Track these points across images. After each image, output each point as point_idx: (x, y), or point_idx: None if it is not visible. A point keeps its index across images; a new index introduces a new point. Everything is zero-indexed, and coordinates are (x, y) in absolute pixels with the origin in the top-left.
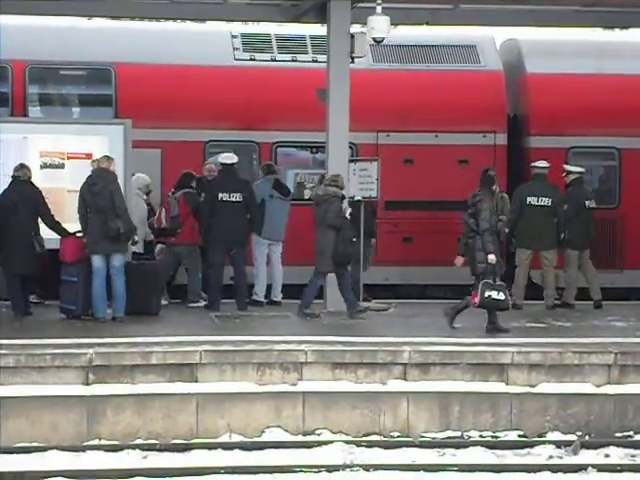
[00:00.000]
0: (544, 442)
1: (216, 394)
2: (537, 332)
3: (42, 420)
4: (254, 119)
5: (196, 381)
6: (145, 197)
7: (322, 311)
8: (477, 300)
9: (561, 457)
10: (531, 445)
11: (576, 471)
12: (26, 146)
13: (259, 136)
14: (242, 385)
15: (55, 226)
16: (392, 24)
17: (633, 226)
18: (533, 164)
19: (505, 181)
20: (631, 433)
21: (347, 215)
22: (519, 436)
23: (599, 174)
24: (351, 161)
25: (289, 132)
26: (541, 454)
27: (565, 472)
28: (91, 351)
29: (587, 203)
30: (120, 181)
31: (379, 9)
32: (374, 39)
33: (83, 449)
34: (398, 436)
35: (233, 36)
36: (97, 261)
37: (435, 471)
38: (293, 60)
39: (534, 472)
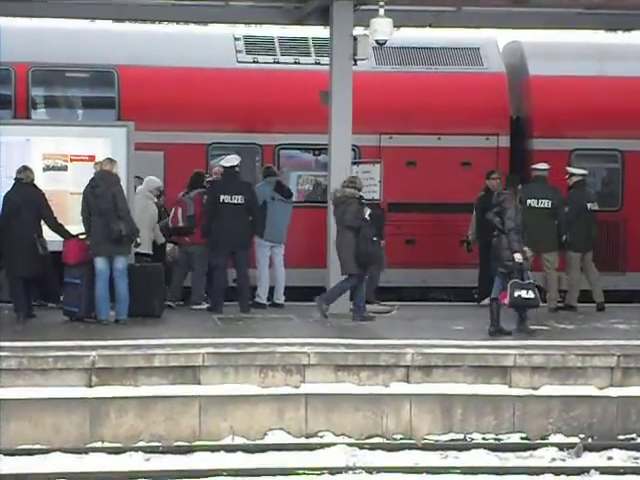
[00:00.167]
0: (547, 444)
1: (219, 396)
2: (540, 334)
3: (45, 422)
4: (257, 121)
5: (199, 383)
6: (156, 200)
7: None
8: (507, 301)
9: (564, 460)
10: (534, 447)
11: (579, 474)
12: (29, 148)
13: (262, 138)
14: (245, 387)
15: (58, 228)
16: (395, 26)
17: (636, 228)
18: (533, 166)
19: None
20: (634, 435)
21: (366, 216)
22: (522, 438)
23: (602, 176)
24: (354, 163)
25: (292, 134)
26: (544, 456)
27: (568, 475)
28: (94, 353)
29: (589, 205)
30: (123, 183)
31: (382, 11)
32: (377, 41)
33: (86, 451)
34: (401, 438)
35: (236, 38)
36: (100, 263)
37: (438, 473)
38: (296, 62)
39: (537, 475)
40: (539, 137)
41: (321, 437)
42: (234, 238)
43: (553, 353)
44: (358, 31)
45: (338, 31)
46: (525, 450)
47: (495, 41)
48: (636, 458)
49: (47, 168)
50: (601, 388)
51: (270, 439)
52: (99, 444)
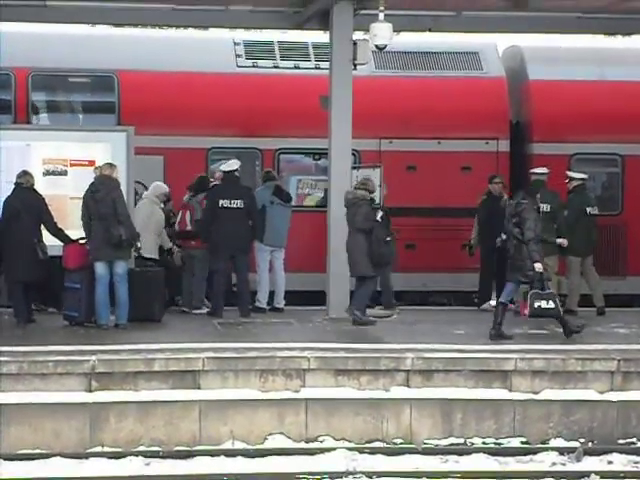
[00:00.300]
0: (547, 449)
1: (219, 401)
2: (540, 339)
3: (45, 427)
4: (257, 126)
5: (199, 388)
6: (163, 205)
7: (325, 317)
8: (527, 311)
9: (564, 464)
10: (534, 452)
11: (579, 478)
12: (29, 153)
13: (262, 143)
14: (245, 392)
15: (58, 233)
16: (395, 31)
17: (636, 233)
18: (532, 170)
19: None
20: (634, 440)
21: (378, 218)
22: (522, 443)
23: (602, 181)
24: (354, 168)
25: (292, 139)
26: (544, 461)
27: (568, 479)
28: (94, 358)
29: (588, 210)
30: (123, 188)
31: (382, 16)
32: (377, 46)
33: (86, 456)
34: (401, 443)
35: (236, 43)
36: (100, 268)
37: (438, 478)
38: (296, 67)
39: (537, 479)
40: (539, 141)
41: (321, 442)
42: (233, 242)
43: (553, 357)
44: (358, 36)
45: (338, 36)
46: (525, 454)
47: (495, 45)
48: (636, 462)
49: (47, 173)
50: (601, 392)
51: (270, 444)
52: (99, 449)
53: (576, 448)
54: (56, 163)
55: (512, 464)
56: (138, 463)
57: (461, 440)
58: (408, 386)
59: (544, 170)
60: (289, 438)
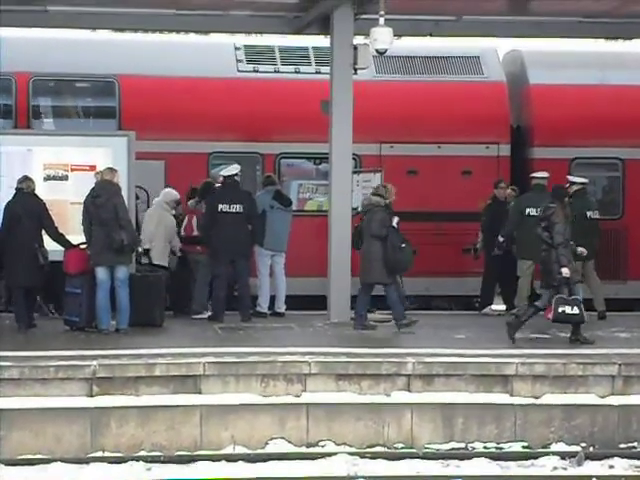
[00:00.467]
0: (548, 453)
1: (220, 406)
2: (541, 343)
3: (46, 432)
4: (258, 131)
5: (200, 393)
6: (173, 212)
7: (326, 322)
8: (551, 316)
9: (565, 468)
10: (535, 456)
11: None
12: (30, 158)
13: (263, 147)
14: (246, 397)
15: (59, 238)
16: (395, 35)
17: (637, 237)
18: (532, 175)
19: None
20: (635, 444)
21: (394, 224)
22: (523, 447)
23: (602, 185)
24: (354, 172)
25: (293, 143)
26: (545, 465)
27: None
28: (95, 363)
29: (589, 214)
30: (124, 193)
31: (382, 20)
32: (377, 50)
33: (87, 461)
34: (402, 447)
35: (236, 48)
36: (101, 273)
37: None
38: (296, 72)
39: None
40: (539, 146)
41: (322, 446)
42: (233, 247)
43: (554, 362)
44: (358, 40)
45: (338, 40)
46: (527, 459)
47: (495, 50)
48: (637, 467)
49: (48, 178)
50: (602, 397)
51: (271, 448)
52: (100, 454)
53: (577, 452)
54: (57, 168)
55: (513, 469)
56: (139, 468)
57: (462, 445)
58: (409, 391)
59: (545, 174)
60: (290, 443)
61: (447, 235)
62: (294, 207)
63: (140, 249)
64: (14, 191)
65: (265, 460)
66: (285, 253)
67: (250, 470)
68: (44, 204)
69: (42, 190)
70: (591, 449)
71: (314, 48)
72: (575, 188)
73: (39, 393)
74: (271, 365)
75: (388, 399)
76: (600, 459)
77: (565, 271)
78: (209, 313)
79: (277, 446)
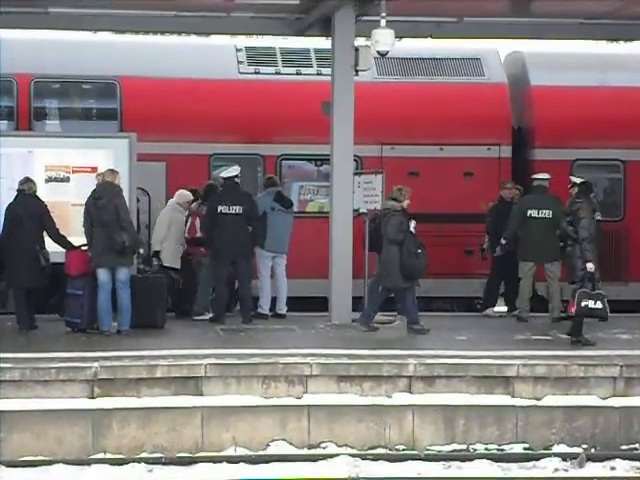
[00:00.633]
0: (550, 455)
1: (221, 407)
2: (542, 345)
3: (47, 434)
4: (259, 132)
5: (201, 394)
6: (186, 213)
7: (327, 324)
8: (574, 309)
9: (567, 470)
10: (537, 458)
11: None
12: (31, 160)
13: (264, 149)
14: (247, 398)
15: (60, 240)
16: (396, 37)
17: (638, 238)
18: (533, 176)
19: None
20: (637, 446)
21: (412, 229)
22: (525, 449)
23: (604, 186)
24: (356, 174)
25: (294, 145)
26: (547, 467)
27: None
28: (96, 364)
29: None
30: (125, 194)
31: (383, 22)
32: (378, 52)
33: (88, 463)
34: (403, 449)
35: (237, 49)
36: (102, 274)
37: None
38: (297, 73)
39: None
40: (541, 147)
41: (324, 448)
42: (234, 248)
43: (556, 363)
44: (360, 42)
45: (340, 42)
46: (528, 460)
47: (496, 51)
48: (639, 468)
49: (49, 179)
50: (604, 398)
51: (273, 450)
52: (101, 455)
53: (579, 454)
54: (58, 170)
55: (515, 470)
56: (141, 469)
57: (464, 446)
58: (410, 392)
59: (546, 176)
60: (291, 444)
61: (448, 237)
62: (295, 209)
63: (141, 251)
64: (15, 193)
65: (266, 462)
66: (286, 255)
67: (251, 471)
68: (45, 206)
69: (43, 192)
70: (592, 451)
71: (315, 50)
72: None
73: (40, 395)
74: (272, 367)
75: (389, 401)
76: (601, 461)
77: (590, 266)
78: (210, 315)
79: (278, 448)
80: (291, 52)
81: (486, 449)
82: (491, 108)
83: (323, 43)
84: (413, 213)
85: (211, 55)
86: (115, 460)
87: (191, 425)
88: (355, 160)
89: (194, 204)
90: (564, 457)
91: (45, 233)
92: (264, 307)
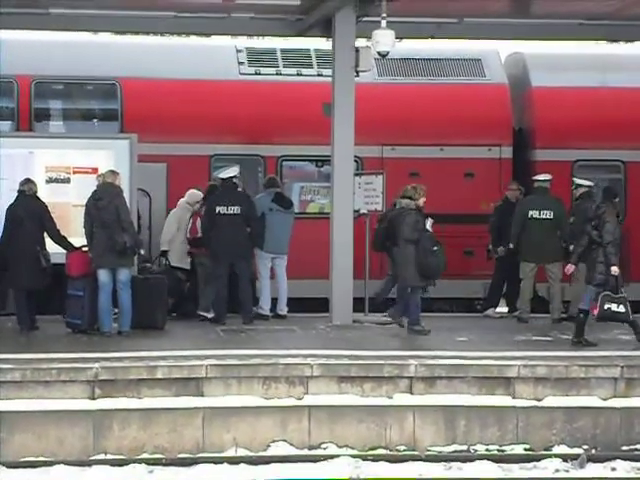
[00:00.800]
0: (550, 456)
1: (222, 408)
2: (543, 345)
3: (48, 434)
4: (259, 133)
5: (202, 395)
6: (189, 213)
7: (328, 324)
8: (596, 312)
9: (567, 471)
10: (537, 459)
11: None
12: (32, 161)
13: (264, 150)
14: (248, 399)
15: (61, 240)
16: (397, 38)
17: (639, 239)
18: (534, 177)
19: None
20: (638, 446)
21: (428, 227)
22: (525, 450)
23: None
24: (356, 175)
25: (294, 146)
26: (547, 468)
27: None
28: (97, 365)
29: None
30: (126, 195)
31: (384, 23)
32: (379, 53)
33: (89, 463)
34: (404, 450)
35: (238, 50)
36: (103, 275)
37: None
38: (298, 74)
39: None
40: (542, 148)
41: (324, 449)
42: (232, 249)
43: (556, 364)
44: (360, 43)
45: (340, 43)
46: (529, 461)
47: (497, 52)
48: (639, 469)
49: (50, 180)
50: (605, 399)
51: (273, 451)
52: (102, 456)
53: (579, 455)
54: (59, 171)
55: (516, 471)
56: (141, 470)
57: (464, 447)
58: (411, 393)
59: (547, 177)
60: (292, 445)
61: (449, 237)
62: (296, 209)
63: (142, 251)
64: (16, 194)
65: (267, 462)
66: (287, 255)
67: (252, 472)
68: (46, 207)
69: (44, 193)
70: (593, 451)
71: (316, 50)
72: (581, 191)
73: (41, 395)
74: (273, 367)
75: (390, 401)
76: (602, 461)
77: (614, 269)
78: (211, 315)
79: (279, 448)
80: (292, 53)
81: (487, 450)
82: (492, 109)
83: (324, 44)
84: None
85: (212, 56)
86: (116, 461)
87: (192, 426)
88: (356, 161)
89: (196, 205)
90: (565, 458)
91: (46, 234)
92: (264, 308)
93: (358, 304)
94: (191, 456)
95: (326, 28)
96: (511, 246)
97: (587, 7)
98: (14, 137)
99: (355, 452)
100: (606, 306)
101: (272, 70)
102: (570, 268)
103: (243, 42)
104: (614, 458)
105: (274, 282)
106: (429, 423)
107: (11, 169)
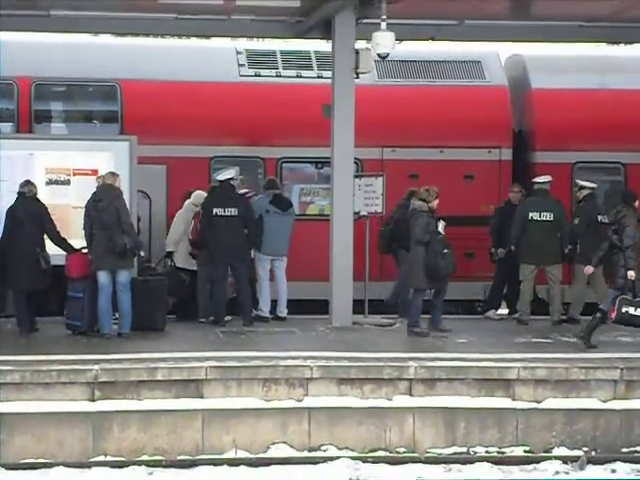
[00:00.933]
0: (550, 458)
1: (222, 410)
2: (543, 347)
3: (48, 436)
4: (259, 135)
5: (202, 397)
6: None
7: (328, 326)
8: (614, 316)
9: (567, 473)
10: (537, 461)
11: None
12: (32, 162)
13: (264, 152)
14: (248, 401)
15: (61, 242)
16: (397, 40)
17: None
18: (534, 179)
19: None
20: (638, 448)
21: (440, 229)
22: (525, 452)
23: (604, 189)
24: (356, 176)
25: (294, 148)
26: (547, 470)
27: None
28: (97, 367)
29: (599, 218)
30: (126, 197)
31: (384, 25)
32: (379, 55)
33: (89, 465)
34: (404, 452)
35: (238, 52)
36: (103, 277)
37: None
38: (298, 76)
39: None
40: (541, 150)
41: (324, 451)
42: (230, 251)
43: (556, 366)
44: (360, 44)
45: (340, 44)
46: (529, 463)
47: (497, 54)
48: (639, 471)
49: (50, 182)
50: (604, 401)
51: (273, 453)
52: (102, 458)
53: (579, 457)
54: (59, 172)
55: (515, 473)
56: (141, 472)
57: (464, 449)
58: (411, 395)
59: (547, 179)
60: (292, 447)
61: (449, 239)
62: (296, 211)
63: (142, 253)
64: (16, 195)
65: (267, 464)
66: (286, 257)
67: (252, 474)
68: (46, 208)
69: (44, 194)
70: (593, 453)
71: (316, 52)
72: (585, 192)
73: (41, 397)
74: (273, 369)
75: (390, 403)
76: (602, 463)
77: (631, 274)
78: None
79: (279, 450)
80: (292, 55)
81: (487, 452)
82: (492, 111)
83: (324, 46)
84: None
85: (212, 58)
86: (116, 463)
87: (192, 428)
88: (356, 163)
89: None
90: (565, 460)
91: (46, 236)
92: (264, 310)
93: (358, 306)
94: (191, 458)
95: (326, 30)
96: (512, 248)
97: (587, 9)
98: (14, 139)
99: (355, 454)
100: (624, 309)
101: (272, 72)
102: (589, 270)
103: (243, 44)
104: (614, 460)
105: (274, 284)
106: (429, 425)
107: (11, 171)
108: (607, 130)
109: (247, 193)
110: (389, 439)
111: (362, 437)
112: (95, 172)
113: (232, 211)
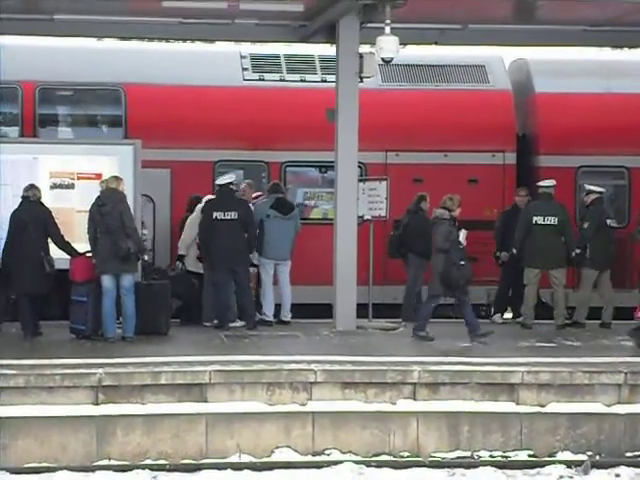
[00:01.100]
0: (554, 462)
1: (225, 414)
2: (547, 352)
3: (51, 440)
4: (263, 139)
5: (205, 401)
6: None
7: (331, 330)
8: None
9: (571, 477)
10: (541, 465)
11: None
12: (36, 166)
13: (268, 156)
14: (251, 405)
15: (65, 246)
16: (401, 44)
17: None
18: (538, 183)
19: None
20: None
21: (461, 239)
22: (529, 456)
23: (608, 193)
24: (360, 180)
25: (298, 152)
26: (551, 474)
27: None
28: (100, 371)
29: (608, 222)
30: (130, 201)
31: (388, 29)
32: (383, 59)
33: (93, 469)
34: (408, 456)
35: (242, 56)
36: (107, 281)
37: None
38: (302, 80)
39: None
40: (545, 154)
41: (328, 455)
42: (230, 255)
43: (560, 370)
44: (364, 49)
45: (344, 49)
46: (532, 468)
47: (501, 58)
48: None
49: (54, 186)
50: (609, 405)
51: (277, 457)
52: (106, 462)
53: (584, 461)
54: (63, 176)
55: (519, 477)
56: (145, 476)
57: (468, 453)
58: (415, 399)
59: (551, 182)
60: (296, 451)
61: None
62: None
63: (146, 257)
64: (20, 199)
65: (271, 468)
66: (290, 261)
67: (256, 478)
68: (50, 212)
69: (48, 198)
70: (597, 458)
71: (320, 57)
72: (593, 197)
73: (45, 401)
74: (277, 373)
75: (394, 407)
76: (606, 468)
77: None
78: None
79: (283, 454)
80: (296, 59)
81: (490, 456)
82: (495, 115)
83: (327, 50)
84: None
85: (216, 62)
86: (119, 467)
87: (195, 432)
88: (359, 167)
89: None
90: (569, 464)
91: (50, 240)
92: (268, 314)
93: (362, 310)
94: (194, 462)
95: (330, 34)
96: (514, 252)
97: (591, 13)
98: (18, 143)
99: (359, 458)
100: None
101: (276, 76)
102: None
103: (247, 48)
104: (618, 464)
105: (277, 288)
106: (433, 429)
107: (15, 175)
108: (611, 134)
109: (259, 197)
110: (393, 443)
111: (366, 441)
112: (99, 176)
113: (232, 215)
